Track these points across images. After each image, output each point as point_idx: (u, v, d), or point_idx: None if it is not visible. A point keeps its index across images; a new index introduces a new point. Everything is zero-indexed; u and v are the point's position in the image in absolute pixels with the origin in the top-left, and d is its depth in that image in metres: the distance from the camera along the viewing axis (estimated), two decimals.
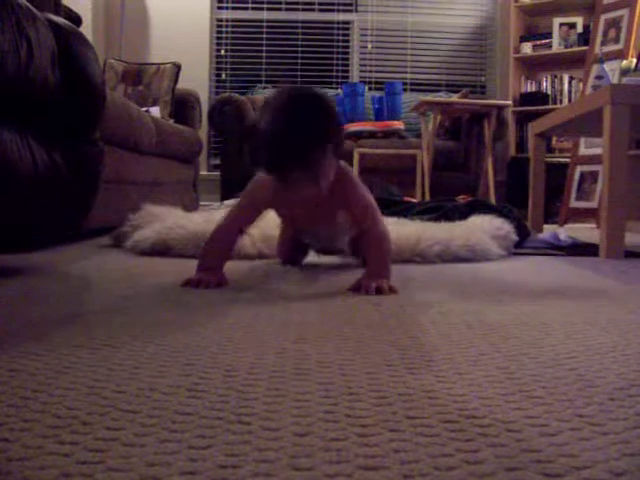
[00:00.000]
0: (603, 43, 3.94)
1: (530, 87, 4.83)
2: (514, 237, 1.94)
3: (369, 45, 5.04)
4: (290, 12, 4.97)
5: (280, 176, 1.08)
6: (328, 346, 0.72)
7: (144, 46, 4.73)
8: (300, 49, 4.99)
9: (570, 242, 2.20)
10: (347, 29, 5.04)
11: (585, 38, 4.39)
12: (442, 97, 4.38)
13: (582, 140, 3.92)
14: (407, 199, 2.71)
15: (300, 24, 4.98)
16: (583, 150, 3.94)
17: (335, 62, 5.05)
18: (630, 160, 2.31)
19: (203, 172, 4.50)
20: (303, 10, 4.98)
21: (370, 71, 5.05)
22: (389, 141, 4.00)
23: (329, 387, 0.57)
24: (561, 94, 4.71)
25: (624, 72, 2.55)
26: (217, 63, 4.96)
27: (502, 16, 4.93)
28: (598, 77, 2.56)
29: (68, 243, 2.00)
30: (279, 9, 4.97)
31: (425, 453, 0.42)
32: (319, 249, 1.56)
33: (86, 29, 3.41)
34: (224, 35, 4.94)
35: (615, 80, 2.89)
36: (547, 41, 4.72)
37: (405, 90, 4.55)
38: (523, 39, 4.81)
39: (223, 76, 4.98)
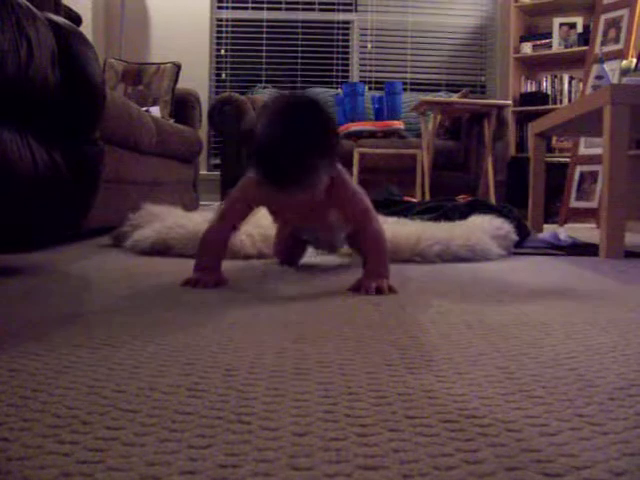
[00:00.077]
0: (603, 43, 3.94)
1: (530, 87, 4.83)
2: (514, 237, 1.94)
3: (369, 45, 5.04)
4: (290, 12, 4.97)
5: (274, 186, 1.07)
6: (328, 346, 0.72)
7: (144, 46, 4.73)
8: (300, 49, 4.99)
9: (570, 242, 2.20)
10: (347, 29, 5.04)
11: (585, 38, 4.39)
12: (442, 97, 4.38)
13: (582, 140, 3.92)
14: (407, 199, 2.71)
15: (300, 24, 4.98)
16: (583, 150, 3.94)
17: (335, 62, 5.05)
18: (630, 160, 2.31)
19: (203, 172, 4.50)
20: (303, 10, 4.98)
21: (370, 71, 5.05)
22: (389, 141, 4.00)
23: (328, 387, 0.57)
24: (561, 94, 4.71)
25: (624, 72, 2.55)
26: (217, 63, 4.96)
27: (502, 16, 4.93)
28: (598, 77, 2.56)
29: (68, 243, 2.00)
30: (279, 9, 4.97)
31: (425, 453, 0.42)
32: (318, 246, 1.55)
33: (86, 29, 3.41)
34: (224, 35, 4.94)
35: (615, 80, 2.89)
36: (547, 41, 4.72)
37: (405, 90, 4.55)
38: (523, 39, 4.81)
39: (223, 76, 4.98)
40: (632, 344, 0.75)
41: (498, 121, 3.82)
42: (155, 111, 3.48)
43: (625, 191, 1.91)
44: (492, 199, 3.54)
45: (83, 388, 0.55)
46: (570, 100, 4.62)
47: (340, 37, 5.03)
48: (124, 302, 1.01)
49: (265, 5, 4.95)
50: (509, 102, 4.40)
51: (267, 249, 1.64)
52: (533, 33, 4.88)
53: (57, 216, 1.40)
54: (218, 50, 4.95)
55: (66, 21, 1.38)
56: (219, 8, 4.93)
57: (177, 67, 3.84)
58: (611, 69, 3.31)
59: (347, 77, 5.03)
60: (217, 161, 4.73)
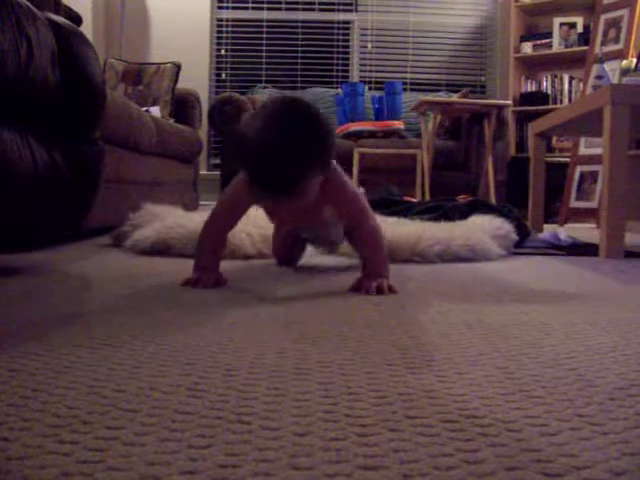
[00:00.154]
0: (603, 43, 3.94)
1: (530, 87, 4.83)
2: (514, 237, 1.94)
3: (369, 45, 5.04)
4: (290, 12, 4.97)
5: (263, 194, 1.05)
6: (328, 346, 0.72)
7: (144, 46, 4.73)
8: (300, 49, 4.99)
9: (570, 242, 2.20)
10: (347, 29, 5.04)
11: (585, 38, 4.39)
12: (442, 97, 4.38)
13: (582, 140, 3.92)
14: (407, 199, 2.71)
15: (300, 24, 4.98)
16: (583, 150, 3.94)
17: (335, 62, 5.05)
18: (630, 160, 2.31)
19: (203, 172, 4.50)
20: (303, 10, 4.98)
21: (370, 71, 5.05)
22: (389, 141, 4.00)
23: (329, 387, 0.57)
24: (561, 94, 4.71)
25: (624, 72, 2.55)
26: (217, 63, 4.96)
27: (502, 16, 4.93)
28: (598, 77, 2.56)
29: (68, 243, 2.00)
30: (279, 9, 4.97)
31: (425, 453, 0.42)
32: (317, 244, 1.55)
33: (86, 29, 3.40)
34: (224, 35, 4.94)
35: (615, 80, 2.88)
36: (547, 41, 4.72)
37: (405, 90, 4.55)
38: (523, 39, 4.81)
39: (223, 76, 4.98)
40: (632, 344, 0.75)
41: (498, 121, 3.83)
42: (155, 111, 3.48)
43: (625, 191, 1.91)
44: (492, 199, 3.54)
45: (83, 388, 0.55)
46: (570, 100, 4.62)
47: (340, 37, 5.03)
48: (124, 302, 1.01)
49: (265, 5, 4.95)
50: (509, 102, 4.41)
51: (267, 249, 1.64)
52: (533, 33, 4.88)
53: (57, 216, 1.40)
54: (218, 50, 4.95)
55: (66, 21, 1.38)
56: (219, 8, 4.92)
57: (177, 67, 3.84)
58: (611, 69, 3.31)
59: (347, 77, 5.03)
60: (217, 161, 4.73)
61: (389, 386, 0.57)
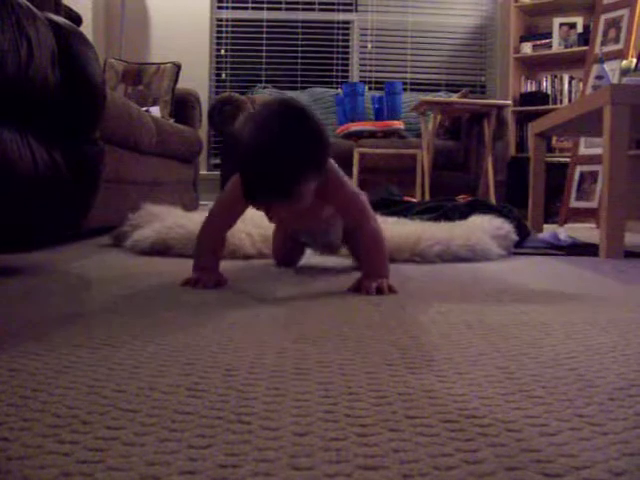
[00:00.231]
0: (603, 43, 3.94)
1: (530, 87, 4.83)
2: (514, 237, 1.94)
3: (369, 45, 5.04)
4: (290, 12, 4.97)
5: (258, 198, 1.04)
6: (328, 346, 0.72)
7: (144, 46, 4.73)
8: (300, 49, 4.99)
9: (570, 242, 2.20)
10: (347, 29, 5.04)
11: (585, 38, 4.39)
12: (442, 97, 4.38)
13: (582, 140, 3.92)
14: (407, 199, 2.71)
15: (300, 24, 4.98)
16: (583, 150, 3.94)
17: (335, 62, 5.05)
18: (630, 160, 2.31)
19: (203, 172, 4.50)
20: (303, 10, 4.98)
21: (370, 71, 5.05)
22: (389, 141, 4.00)
23: (329, 387, 0.57)
24: (561, 94, 4.71)
25: (624, 72, 2.55)
26: (217, 63, 4.96)
27: (502, 16, 4.93)
28: (598, 77, 2.57)
29: (68, 243, 2.00)
30: (279, 9, 4.97)
31: (425, 453, 0.42)
32: (316, 247, 1.54)
33: (86, 29, 3.40)
34: (224, 35, 4.94)
35: (615, 80, 2.89)
36: (547, 41, 4.72)
37: (405, 90, 4.55)
38: (523, 39, 4.82)
39: (223, 76, 4.98)
40: (632, 344, 0.75)
41: (498, 121, 3.83)
42: (155, 111, 3.48)
43: (625, 191, 1.91)
44: (492, 199, 3.54)
45: (83, 388, 0.55)
46: (570, 100, 4.62)
47: (340, 37, 5.03)
48: (124, 302, 1.01)
49: (265, 5, 4.95)
50: (509, 102, 4.41)
51: (267, 249, 1.64)
52: (533, 33, 4.88)
53: (57, 216, 1.40)
54: (218, 50, 4.95)
55: (66, 21, 1.38)
56: (219, 8, 4.93)
57: (177, 67, 3.84)
58: (611, 69, 3.31)
59: (347, 77, 5.03)
60: (217, 161, 4.73)
61: (389, 386, 0.57)
